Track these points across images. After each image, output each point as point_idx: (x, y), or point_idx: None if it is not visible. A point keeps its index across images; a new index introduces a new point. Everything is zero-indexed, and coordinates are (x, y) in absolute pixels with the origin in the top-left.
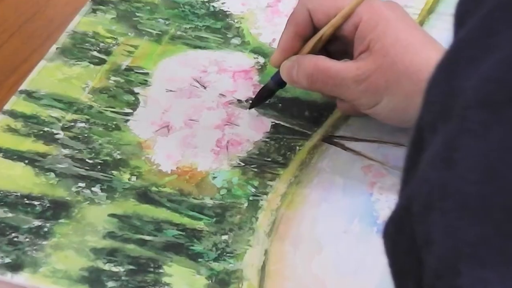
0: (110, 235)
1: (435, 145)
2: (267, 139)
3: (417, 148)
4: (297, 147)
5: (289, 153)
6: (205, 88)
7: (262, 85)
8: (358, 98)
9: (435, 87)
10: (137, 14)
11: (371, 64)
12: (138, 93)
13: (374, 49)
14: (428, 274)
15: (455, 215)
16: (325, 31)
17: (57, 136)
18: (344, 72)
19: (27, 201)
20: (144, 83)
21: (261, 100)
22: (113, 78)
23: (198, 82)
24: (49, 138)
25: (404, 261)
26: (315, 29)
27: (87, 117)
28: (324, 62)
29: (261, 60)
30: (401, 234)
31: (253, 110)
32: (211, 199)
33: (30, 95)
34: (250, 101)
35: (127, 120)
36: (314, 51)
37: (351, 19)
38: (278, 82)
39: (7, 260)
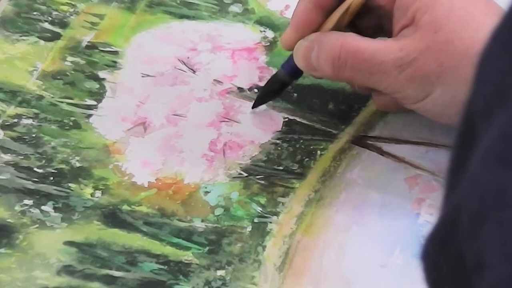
0: (67, 270)
1: (490, 137)
2: (277, 141)
3: (466, 141)
4: (318, 152)
5: (307, 159)
6: (194, 72)
7: (271, 69)
8: (401, 89)
9: (489, 62)
10: None
11: (418, 42)
12: (104, 79)
13: (422, 23)
14: None
15: None
16: (354, 0)
17: None
18: (382, 54)
19: None
20: (113, 66)
21: (268, 96)
22: (70, 58)
23: (185, 64)
24: None
25: None
26: None
27: (36, 111)
28: (354, 41)
29: (270, 34)
30: (445, 255)
31: None
32: (202, 221)
33: None
34: (255, 90)
35: (90, 116)
36: (340, 27)
37: None
38: (292, 71)
39: None
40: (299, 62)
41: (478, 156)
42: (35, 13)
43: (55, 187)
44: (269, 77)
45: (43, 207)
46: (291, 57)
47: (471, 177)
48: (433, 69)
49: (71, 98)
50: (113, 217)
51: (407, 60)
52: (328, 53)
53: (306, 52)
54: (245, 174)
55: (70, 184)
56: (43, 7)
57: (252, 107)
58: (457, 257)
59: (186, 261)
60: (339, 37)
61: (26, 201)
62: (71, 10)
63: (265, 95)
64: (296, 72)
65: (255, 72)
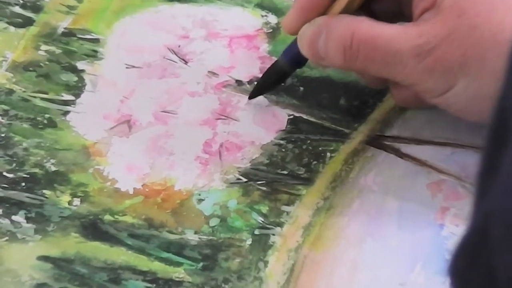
0: None
1: None
2: (281, 141)
3: (498, 141)
4: (328, 154)
5: (315, 162)
6: (186, 63)
7: (274, 59)
8: (420, 81)
9: None
10: None
11: (439, 28)
12: (83, 71)
13: (444, 6)
14: None
15: None
16: None
17: None
18: (399, 42)
19: None
20: (93, 56)
21: (267, 87)
22: (44, 47)
23: (175, 53)
24: None
25: None
26: None
27: (5, 107)
28: (368, 26)
29: (272, 19)
30: (475, 269)
31: (260, 97)
32: (195, 233)
33: None
34: (255, 83)
35: (67, 113)
36: (350, 10)
37: None
38: (295, 59)
39: None
40: (304, 50)
41: None
42: None
43: (27, 194)
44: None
45: (13, 217)
46: (294, 43)
47: (505, 181)
48: (456, 58)
49: (46, 93)
50: (93, 228)
51: (427, 48)
52: (339, 41)
53: (312, 39)
54: (244, 180)
55: (44, 191)
56: None
57: (249, 98)
58: (487, 273)
59: (177, 279)
60: (350, 23)
61: None
62: None
63: (263, 85)
64: (299, 60)
65: (255, 62)
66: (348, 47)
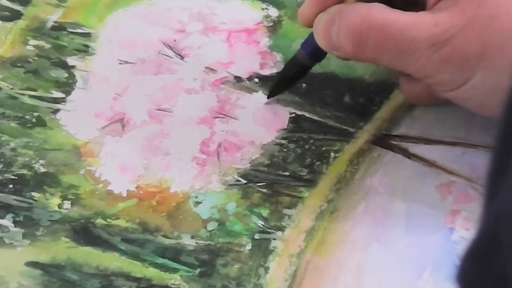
0: None
1: None
2: (283, 141)
3: (509, 140)
4: (332, 154)
5: (318, 163)
6: (182, 58)
7: (275, 54)
8: (435, 72)
9: None
10: None
11: (457, 17)
12: (74, 67)
13: None
14: None
15: None
16: None
17: None
18: (413, 30)
19: None
20: (84, 51)
21: (286, 83)
22: (33, 42)
23: (171, 48)
24: None
25: None
26: None
27: None
28: (379, 13)
29: (273, 12)
30: (485, 276)
31: (260, 94)
32: (192, 238)
33: None
34: (255, 80)
35: (57, 111)
36: None
37: None
38: (314, 51)
39: None
40: (319, 39)
41: None
42: None
43: (15, 197)
44: (272, 64)
45: (0, 221)
46: (311, 35)
47: None
48: (474, 49)
49: (34, 90)
50: (85, 232)
51: (443, 38)
52: (348, 27)
53: (326, 27)
54: (244, 181)
55: (33, 193)
56: None
57: (268, 97)
58: (499, 278)
59: (173, 286)
60: (361, 9)
61: None
62: None
63: (281, 82)
64: (318, 53)
65: (255, 58)
66: (357, 33)
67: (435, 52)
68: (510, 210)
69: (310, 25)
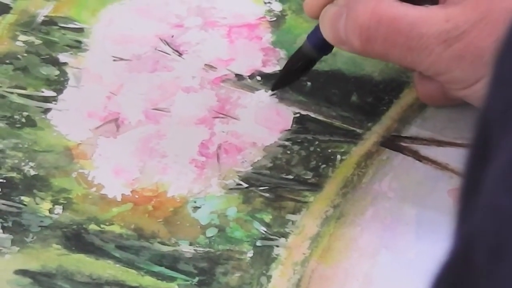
0: None
1: (509, 151)
2: (286, 143)
3: (479, 156)
4: (338, 156)
5: (324, 166)
6: (180, 55)
7: (278, 50)
8: (446, 70)
9: (508, 56)
10: None
11: (470, 12)
12: (65, 64)
13: None
14: None
15: None
16: None
17: None
18: (424, 25)
19: None
20: (77, 47)
21: (292, 76)
22: (22, 37)
23: (168, 44)
24: None
25: None
26: None
27: None
28: (389, 6)
29: (277, 6)
30: None
31: (262, 93)
32: (190, 245)
33: None
34: (257, 78)
35: (47, 110)
36: None
37: None
38: (320, 44)
39: None
40: (325, 32)
41: (494, 175)
42: None
43: (3, 202)
44: (275, 61)
45: None
46: (318, 26)
47: (486, 201)
48: (488, 45)
49: (24, 88)
50: (77, 239)
51: (455, 33)
52: (356, 22)
53: (333, 20)
54: (245, 185)
55: (22, 198)
56: None
57: (272, 89)
58: None
59: None
60: (370, 2)
61: None
62: None
63: (287, 75)
64: (324, 46)
65: (257, 54)
66: (365, 29)
67: (447, 49)
68: (481, 231)
69: (316, 16)
